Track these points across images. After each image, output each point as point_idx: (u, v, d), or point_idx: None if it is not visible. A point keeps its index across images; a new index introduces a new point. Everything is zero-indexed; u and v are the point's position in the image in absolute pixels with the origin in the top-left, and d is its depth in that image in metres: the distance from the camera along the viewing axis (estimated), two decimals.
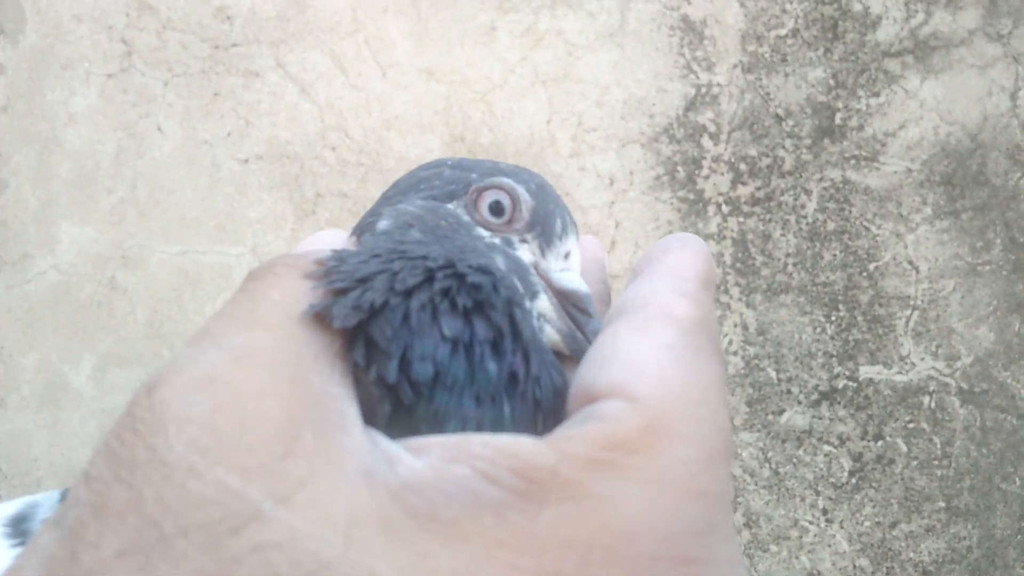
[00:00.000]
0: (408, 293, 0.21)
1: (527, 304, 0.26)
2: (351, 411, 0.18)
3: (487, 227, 0.28)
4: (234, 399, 0.17)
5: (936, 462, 1.03)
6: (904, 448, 1.04)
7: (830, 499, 1.03)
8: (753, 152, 1.08)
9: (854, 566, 1.02)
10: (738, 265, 1.06)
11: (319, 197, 1.04)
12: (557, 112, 1.07)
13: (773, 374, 1.05)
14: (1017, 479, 1.03)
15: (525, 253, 0.27)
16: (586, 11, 1.07)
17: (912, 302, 1.06)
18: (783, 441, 1.04)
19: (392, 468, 0.17)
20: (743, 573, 0.17)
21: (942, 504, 1.02)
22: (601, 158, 1.07)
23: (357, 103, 1.05)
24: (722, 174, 1.07)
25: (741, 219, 1.07)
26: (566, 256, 0.27)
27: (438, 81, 1.06)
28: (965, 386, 1.05)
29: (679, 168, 1.07)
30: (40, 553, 0.16)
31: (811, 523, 1.03)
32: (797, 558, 1.03)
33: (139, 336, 1.01)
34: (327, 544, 0.15)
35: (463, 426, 0.21)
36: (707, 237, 1.06)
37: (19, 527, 0.28)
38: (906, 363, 1.05)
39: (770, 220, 1.07)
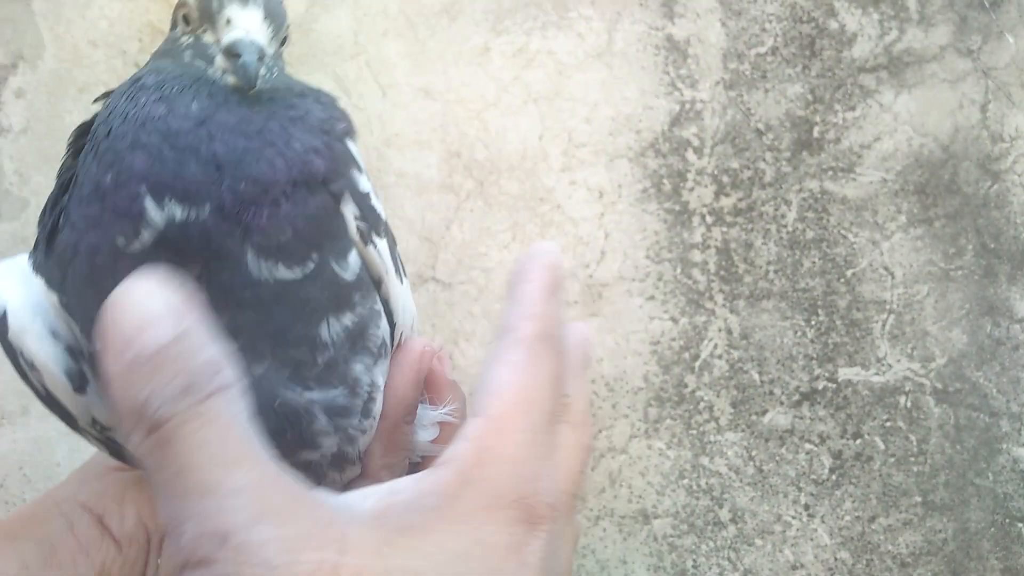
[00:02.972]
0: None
1: (210, 72, 0.36)
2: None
3: (185, 33, 0.38)
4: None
5: (912, 459, 1.08)
6: (882, 446, 1.09)
7: (812, 495, 1.08)
8: (735, 165, 1.13)
9: (835, 558, 1.07)
10: (722, 273, 1.12)
11: None
12: (548, 128, 1.13)
13: (756, 376, 1.10)
14: (990, 474, 1.08)
15: (208, 37, 0.37)
16: (575, 32, 1.13)
17: (888, 306, 1.12)
18: (766, 440, 1.09)
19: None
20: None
21: (919, 499, 1.07)
22: (591, 172, 1.12)
23: (359, 122, 1.10)
24: (706, 186, 1.13)
25: (724, 229, 1.12)
26: (228, 22, 0.37)
27: (435, 100, 1.12)
28: (939, 386, 1.10)
29: (665, 181, 1.13)
30: None
31: (794, 518, 1.08)
32: (781, 551, 1.07)
33: None
34: None
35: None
36: (692, 246, 1.12)
37: None
38: (883, 364, 1.10)
39: (752, 230, 1.12)
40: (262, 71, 0.36)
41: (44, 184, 1.10)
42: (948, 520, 1.06)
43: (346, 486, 0.40)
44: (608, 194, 1.12)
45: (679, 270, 1.11)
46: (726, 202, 1.13)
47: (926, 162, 1.14)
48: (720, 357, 1.10)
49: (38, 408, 1.11)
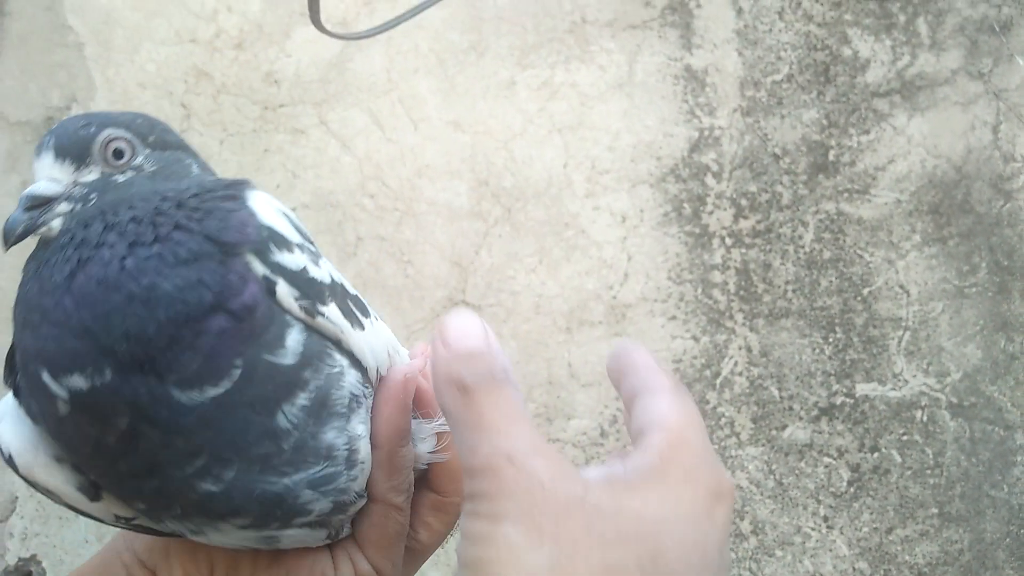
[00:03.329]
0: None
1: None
2: None
3: None
4: None
5: (929, 471, 1.12)
6: (899, 459, 1.12)
7: (830, 507, 1.12)
8: (753, 188, 1.17)
9: (854, 569, 1.11)
10: (741, 293, 1.16)
11: (360, 240, 1.15)
12: (573, 157, 1.18)
13: (776, 392, 1.15)
14: (1005, 486, 1.12)
15: None
16: (597, 64, 1.18)
17: (904, 323, 1.15)
18: (786, 454, 1.13)
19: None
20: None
21: (935, 510, 1.11)
22: (614, 198, 1.17)
23: (392, 155, 1.17)
24: (725, 209, 1.17)
25: (743, 250, 1.17)
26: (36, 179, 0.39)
27: (464, 132, 1.17)
28: (955, 400, 1.14)
29: (685, 205, 1.17)
30: None
31: (813, 529, 1.12)
32: (801, 562, 1.12)
33: None
34: None
35: None
36: (712, 268, 1.16)
37: None
38: (899, 380, 1.14)
39: (770, 251, 1.16)
40: (61, 209, 0.37)
41: None
42: (964, 531, 1.10)
43: (355, 518, 0.43)
44: (630, 218, 1.17)
45: (700, 290, 1.16)
46: (745, 224, 1.17)
47: (939, 183, 1.17)
48: (740, 374, 1.15)
49: None
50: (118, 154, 0.39)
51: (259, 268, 0.37)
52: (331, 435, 0.39)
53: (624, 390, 0.37)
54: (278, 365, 0.36)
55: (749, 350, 1.15)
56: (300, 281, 0.38)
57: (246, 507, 0.37)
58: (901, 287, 1.16)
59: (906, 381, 1.14)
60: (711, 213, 1.17)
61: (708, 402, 1.15)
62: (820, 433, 1.14)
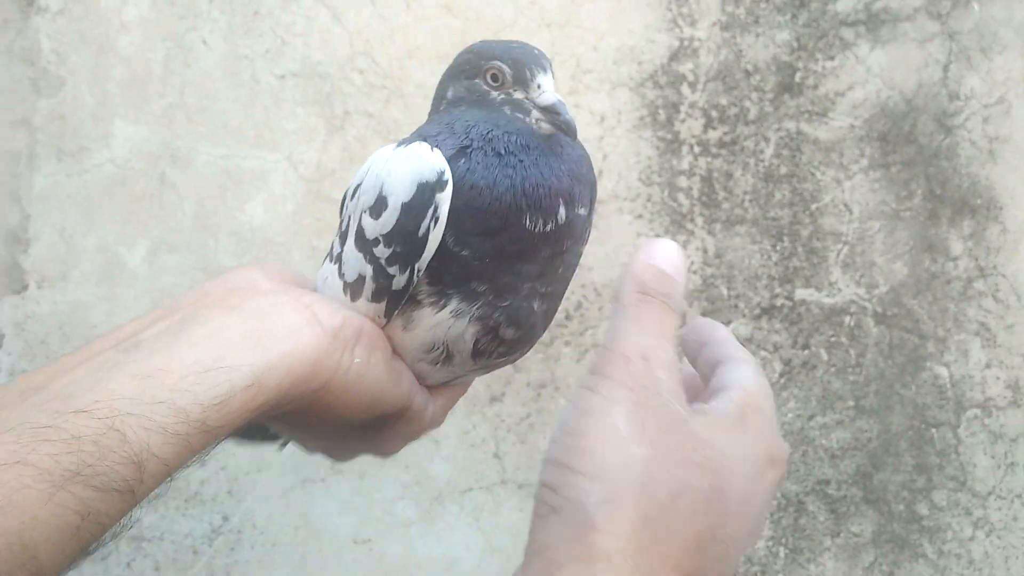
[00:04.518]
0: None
1: (529, 122, 0.54)
2: None
3: (493, 89, 0.54)
4: None
5: (850, 369, 1.25)
6: (825, 357, 1.25)
7: None
8: (724, 101, 1.25)
9: None
10: (703, 198, 1.25)
11: (347, 115, 1.18)
12: (559, 53, 1.22)
13: (725, 291, 1.25)
14: (913, 386, 1.26)
15: (518, 95, 0.54)
16: None
17: (844, 238, 1.27)
18: None
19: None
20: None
21: (852, 403, 1.25)
22: (594, 98, 1.23)
23: (383, 32, 1.18)
24: (696, 119, 1.25)
25: (709, 159, 1.25)
26: (539, 87, 0.53)
27: (455, 16, 1.20)
28: (880, 310, 1.27)
29: (660, 111, 1.24)
30: None
31: None
32: None
33: (187, 227, 1.15)
34: None
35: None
36: (679, 173, 1.24)
37: None
38: (834, 288, 1.26)
39: (733, 162, 1.25)
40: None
41: (81, 64, 1.15)
42: (874, 422, 1.25)
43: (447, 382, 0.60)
44: (608, 119, 1.23)
45: (666, 193, 1.24)
46: (713, 135, 1.25)
47: (890, 113, 1.27)
48: (695, 273, 1.24)
49: (76, 273, 1.19)
50: None
51: None
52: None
53: (704, 356, 0.44)
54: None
55: (705, 251, 1.25)
56: None
57: (518, 310, 0.53)
58: (845, 205, 1.27)
59: (840, 290, 1.26)
60: (683, 121, 1.24)
61: None
62: (760, 330, 1.25)
